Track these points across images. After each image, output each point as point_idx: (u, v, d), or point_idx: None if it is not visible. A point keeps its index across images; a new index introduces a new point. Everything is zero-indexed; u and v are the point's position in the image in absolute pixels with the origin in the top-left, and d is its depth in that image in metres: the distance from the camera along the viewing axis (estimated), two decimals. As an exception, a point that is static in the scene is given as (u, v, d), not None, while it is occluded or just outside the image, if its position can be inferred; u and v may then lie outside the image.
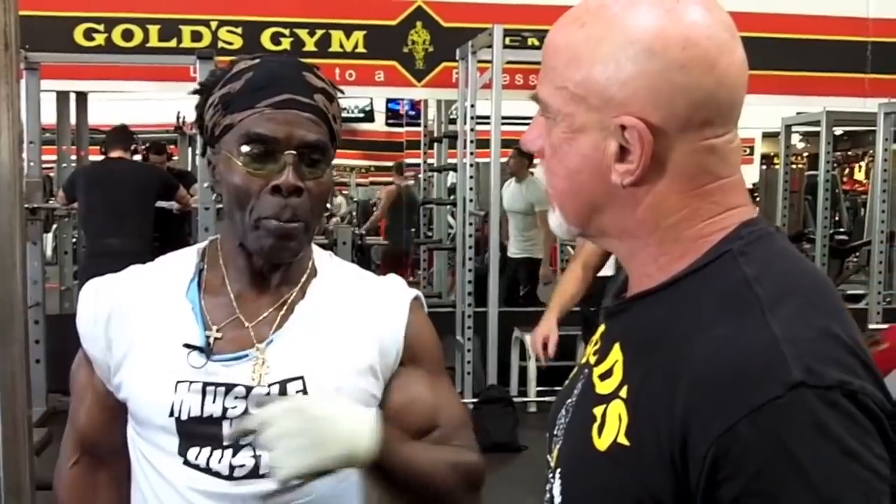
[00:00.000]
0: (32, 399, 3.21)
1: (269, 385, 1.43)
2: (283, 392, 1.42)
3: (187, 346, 1.44)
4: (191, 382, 1.43)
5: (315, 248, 1.58)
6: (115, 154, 6.53)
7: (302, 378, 1.43)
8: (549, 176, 1.05)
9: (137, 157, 7.53)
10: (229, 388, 1.42)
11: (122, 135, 6.65)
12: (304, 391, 1.43)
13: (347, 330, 1.48)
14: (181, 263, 1.54)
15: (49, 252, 8.76)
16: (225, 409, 1.42)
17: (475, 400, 6.40)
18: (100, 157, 6.92)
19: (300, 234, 1.43)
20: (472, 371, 6.67)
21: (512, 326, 7.07)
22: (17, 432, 2.90)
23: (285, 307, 1.49)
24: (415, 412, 1.52)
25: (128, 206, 6.26)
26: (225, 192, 1.45)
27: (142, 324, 1.48)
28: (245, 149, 1.40)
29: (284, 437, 1.22)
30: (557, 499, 1.05)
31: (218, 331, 1.46)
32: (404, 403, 1.52)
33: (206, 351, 1.44)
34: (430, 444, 1.48)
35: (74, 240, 7.81)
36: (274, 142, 1.40)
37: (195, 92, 1.50)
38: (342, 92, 1.53)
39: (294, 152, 1.40)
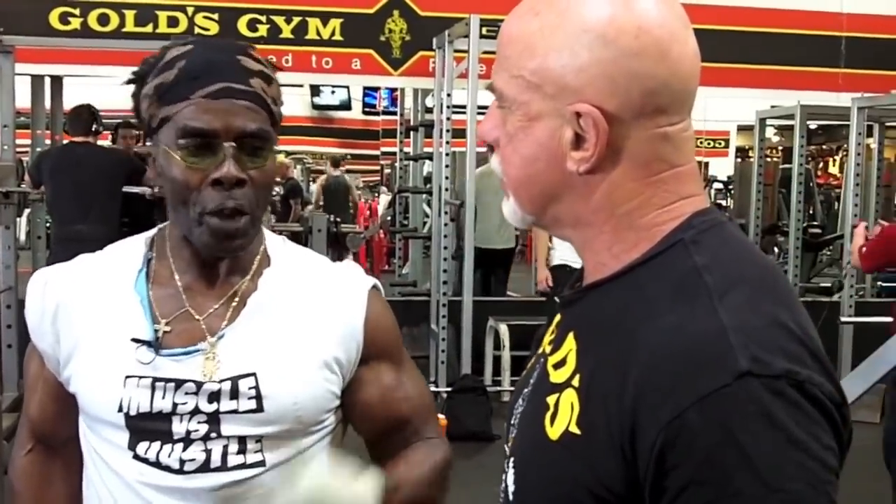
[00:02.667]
0: (4, 384, 3.21)
1: (221, 381, 1.40)
2: (234, 388, 1.40)
3: (135, 340, 1.41)
4: (140, 378, 1.40)
5: (267, 233, 1.54)
6: (79, 138, 6.45)
7: (254, 375, 1.40)
8: (505, 165, 1.06)
9: (105, 142, 7.43)
10: (179, 383, 1.40)
11: (84, 117, 6.55)
12: (257, 388, 1.40)
13: (303, 324, 1.45)
14: (129, 253, 1.50)
15: (22, 236, 8.71)
16: (175, 405, 1.39)
17: (449, 389, 6.41)
18: (66, 141, 6.84)
19: (245, 231, 1.40)
20: (446, 360, 6.69)
21: (486, 315, 7.08)
22: (-12, 417, 2.91)
23: (237, 298, 1.45)
24: (384, 407, 1.52)
25: (94, 191, 6.18)
26: (166, 186, 1.41)
27: (90, 317, 1.45)
28: (182, 142, 1.36)
29: None
30: (511, 487, 1.05)
31: (167, 324, 1.43)
32: (373, 400, 1.51)
33: (155, 346, 1.41)
34: (408, 464, 1.51)
35: (48, 224, 7.76)
36: (211, 134, 1.36)
37: (129, 81, 1.45)
38: (280, 68, 1.49)
39: (233, 143, 1.36)
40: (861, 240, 4.66)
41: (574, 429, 0.96)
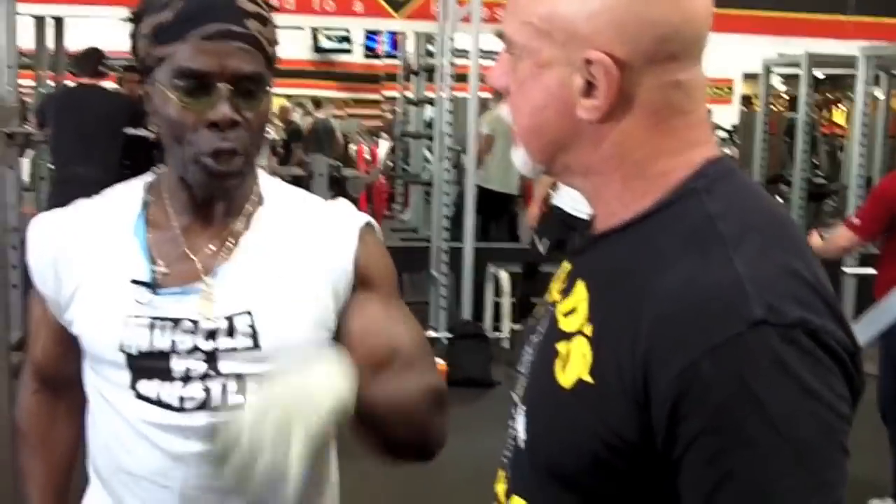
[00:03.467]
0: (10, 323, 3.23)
1: (217, 319, 1.42)
2: (231, 326, 1.42)
3: (134, 281, 1.43)
4: (138, 317, 1.42)
5: (261, 174, 1.55)
6: (85, 79, 6.42)
7: (250, 312, 1.42)
8: (514, 113, 1.05)
9: (111, 84, 7.39)
10: (176, 322, 1.42)
11: (90, 59, 6.51)
12: (253, 325, 1.42)
13: (295, 261, 1.46)
14: (127, 197, 1.52)
15: (26, 178, 8.69)
16: (173, 343, 1.42)
17: (449, 335, 6.44)
18: (72, 83, 6.81)
19: (239, 170, 1.41)
20: (446, 306, 6.72)
21: (487, 262, 7.10)
22: (-6, 356, 2.93)
23: (231, 238, 1.48)
24: (373, 337, 1.47)
25: (95, 133, 6.16)
26: (162, 126, 1.42)
27: (90, 260, 1.47)
28: (178, 82, 1.37)
29: (269, 427, 1.05)
30: (522, 435, 1.06)
31: (165, 265, 1.45)
32: (362, 328, 1.48)
33: (153, 286, 1.43)
34: (394, 375, 1.39)
35: (51, 165, 7.76)
36: (207, 75, 1.36)
37: (126, 20, 1.45)
38: (276, 9, 1.48)
39: (228, 85, 1.37)
40: (818, 242, 4.30)
41: (587, 377, 0.96)
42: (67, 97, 6.55)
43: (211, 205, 1.47)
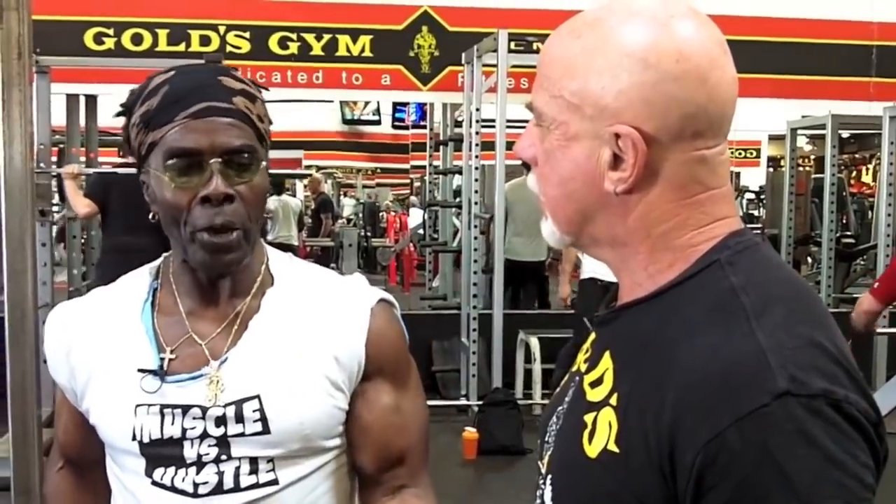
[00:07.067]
0: (41, 399, 3.24)
1: (225, 405, 1.41)
2: (238, 412, 1.41)
3: (141, 370, 1.43)
4: (149, 406, 1.42)
5: (270, 252, 1.54)
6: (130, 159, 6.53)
7: (258, 397, 1.41)
8: (542, 183, 1.07)
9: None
10: (185, 409, 1.41)
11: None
12: (262, 410, 1.40)
13: (306, 344, 1.45)
14: (136, 284, 1.53)
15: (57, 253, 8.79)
16: (184, 430, 1.41)
17: (480, 402, 6.41)
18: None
19: (238, 244, 1.40)
20: (477, 373, 6.69)
21: (517, 328, 7.09)
22: (26, 432, 2.94)
23: (238, 321, 1.46)
24: (380, 432, 1.49)
25: (141, 206, 6.25)
26: (160, 210, 1.42)
27: (100, 351, 1.47)
28: (170, 163, 1.37)
29: None
30: None
31: (172, 351, 1.44)
32: (370, 419, 1.48)
33: (160, 374, 1.42)
34: None
35: (83, 241, 7.84)
36: (197, 153, 1.37)
37: (119, 114, 1.47)
38: (267, 89, 1.50)
39: (219, 160, 1.37)
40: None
41: (613, 447, 0.97)
42: (114, 176, 6.63)
43: (215, 286, 1.47)
